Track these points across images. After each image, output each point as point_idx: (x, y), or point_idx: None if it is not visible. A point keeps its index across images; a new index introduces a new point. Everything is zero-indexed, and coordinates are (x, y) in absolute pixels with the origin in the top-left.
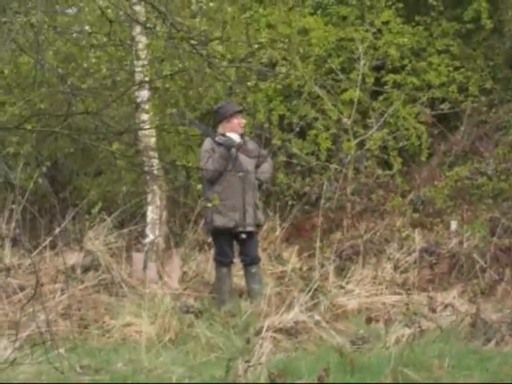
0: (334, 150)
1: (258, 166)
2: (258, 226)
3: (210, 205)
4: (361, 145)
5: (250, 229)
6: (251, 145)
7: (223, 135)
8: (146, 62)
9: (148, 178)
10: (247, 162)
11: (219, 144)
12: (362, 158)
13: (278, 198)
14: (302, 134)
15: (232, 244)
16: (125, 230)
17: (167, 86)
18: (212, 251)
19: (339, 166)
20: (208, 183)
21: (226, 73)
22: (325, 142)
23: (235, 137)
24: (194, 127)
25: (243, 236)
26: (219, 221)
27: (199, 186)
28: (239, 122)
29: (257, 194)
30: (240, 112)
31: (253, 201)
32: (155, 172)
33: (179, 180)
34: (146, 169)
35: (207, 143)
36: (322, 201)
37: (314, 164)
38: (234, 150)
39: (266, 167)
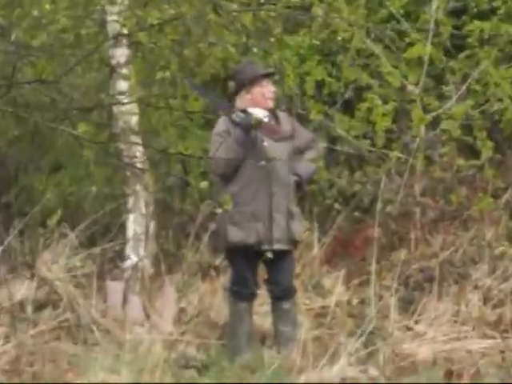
0: (395, 132)
1: (298, 154)
2: (294, 242)
3: (220, 211)
4: (434, 123)
5: (279, 247)
6: (286, 123)
7: (243, 111)
8: (122, 8)
9: (128, 173)
10: (277, 149)
11: (236, 124)
12: (435, 143)
13: (316, 200)
14: (349, 109)
15: (255, 268)
16: (96, 250)
17: (154, 40)
18: (222, 278)
19: (403, 154)
20: (221, 181)
21: (238, 20)
22: (382, 120)
23: (260, 113)
24: (198, 95)
25: (270, 256)
26: (235, 235)
27: (203, 184)
28: (266, 90)
29: (292, 196)
30: (267, 77)
31: (285, 206)
32: (138, 165)
33: (173, 176)
34: (126, 161)
35: (221, 123)
36: (379, 204)
37: (367, 151)
38: (255, 132)
39: (311, 156)
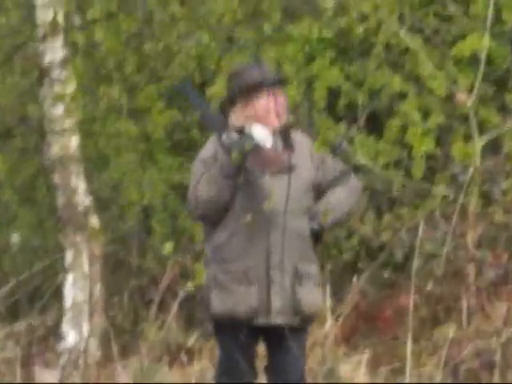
0: (439, 158)
1: (320, 193)
2: (306, 316)
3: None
4: (494, 146)
5: (281, 321)
6: (303, 149)
7: (240, 130)
8: None
9: (66, 218)
10: (281, 185)
11: (225, 148)
12: (496, 174)
13: (330, 254)
14: (375, 127)
15: (251, 350)
16: (20, 325)
17: (99, 36)
18: (197, 365)
19: (451, 189)
20: (205, 226)
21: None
22: (421, 142)
23: (261, 133)
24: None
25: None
26: (220, 303)
27: (167, 248)
28: (272, 103)
29: (305, 250)
30: (274, 84)
31: (291, 264)
32: (80, 207)
33: (127, 222)
34: (61, 201)
35: (208, 147)
36: (417, 260)
37: (401, 186)
38: (248, 159)
39: (340, 195)
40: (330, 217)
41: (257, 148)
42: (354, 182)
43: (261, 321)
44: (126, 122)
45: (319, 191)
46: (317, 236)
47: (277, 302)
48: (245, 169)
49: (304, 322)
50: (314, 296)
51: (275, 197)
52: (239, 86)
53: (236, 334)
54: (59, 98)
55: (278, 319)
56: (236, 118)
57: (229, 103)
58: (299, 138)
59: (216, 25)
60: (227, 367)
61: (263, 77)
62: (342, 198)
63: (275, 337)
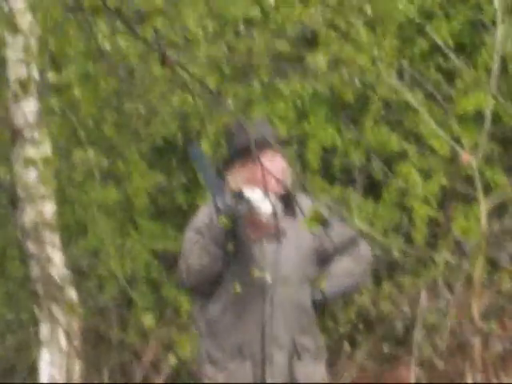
0: (442, 223)
1: (326, 261)
2: None
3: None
4: (501, 209)
5: None
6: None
7: (239, 194)
8: (32, 40)
9: (41, 290)
10: (279, 253)
11: (219, 212)
12: (503, 240)
13: (325, 326)
14: (373, 189)
15: None
16: None
17: (76, 95)
18: None
19: (455, 256)
20: (197, 298)
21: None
22: (422, 208)
23: (259, 197)
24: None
25: None
26: (212, 380)
27: (148, 320)
28: (267, 165)
29: (306, 323)
30: (272, 145)
31: (287, 339)
32: (56, 278)
33: (107, 294)
34: (35, 272)
35: (203, 213)
36: (419, 332)
37: (401, 253)
38: (241, 226)
39: (346, 265)
40: (332, 287)
41: (252, 213)
42: (363, 250)
43: None
44: (104, 188)
45: (325, 259)
46: (320, 307)
47: (272, 379)
48: (236, 236)
49: None
50: (314, 371)
51: (268, 266)
52: (235, 146)
53: None
54: (31, 162)
55: None
56: (234, 181)
57: (225, 165)
58: (304, 201)
59: (200, 83)
60: None
61: (261, 137)
62: (347, 267)
63: None
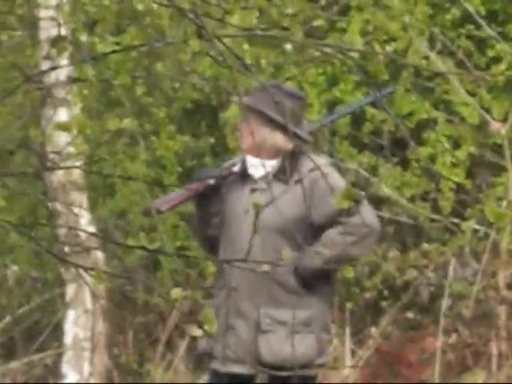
0: (470, 191)
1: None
2: (288, 368)
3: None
4: None
5: (238, 370)
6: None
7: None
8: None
9: (67, 249)
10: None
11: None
12: None
13: (350, 292)
14: (401, 156)
15: None
16: (16, 364)
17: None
18: None
19: (482, 225)
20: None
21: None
22: (451, 174)
23: (252, 162)
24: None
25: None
26: (202, 342)
27: (175, 293)
28: (243, 130)
29: (282, 293)
30: (250, 109)
31: (255, 310)
32: (83, 238)
33: (132, 257)
34: (63, 231)
35: None
36: (445, 301)
37: (428, 221)
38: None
39: (334, 239)
40: (311, 259)
41: (214, 176)
42: (356, 221)
43: (216, 366)
44: (133, 149)
45: (315, 230)
46: (305, 280)
47: (234, 349)
48: (218, 202)
49: (292, 372)
50: (283, 346)
51: (242, 234)
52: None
53: (216, 377)
54: (64, 127)
55: (234, 367)
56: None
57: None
58: (311, 168)
59: (235, 56)
60: None
61: (250, 102)
62: (331, 238)
63: None
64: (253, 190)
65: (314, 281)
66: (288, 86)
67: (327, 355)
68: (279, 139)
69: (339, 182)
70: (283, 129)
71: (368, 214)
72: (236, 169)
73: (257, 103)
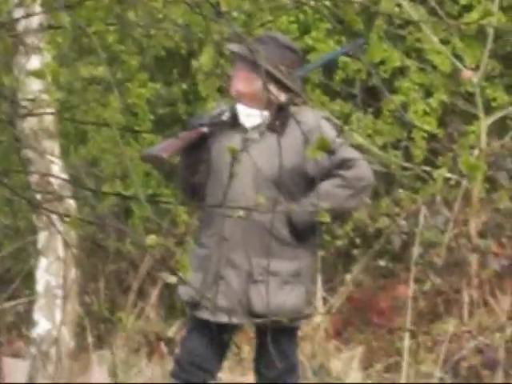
0: (442, 140)
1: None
2: (278, 318)
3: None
4: (502, 128)
5: (229, 320)
6: (296, 133)
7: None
8: None
9: (39, 197)
10: (248, 167)
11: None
12: (503, 158)
13: (322, 241)
14: (373, 105)
15: (214, 343)
16: None
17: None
18: None
19: (454, 173)
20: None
21: None
22: (423, 122)
23: (243, 110)
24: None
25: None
26: (183, 290)
27: (150, 240)
28: (235, 77)
29: (275, 244)
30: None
31: (246, 260)
32: (55, 186)
33: (106, 202)
34: (34, 179)
35: None
36: (417, 249)
37: (400, 169)
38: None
39: (329, 190)
40: (304, 218)
41: (220, 122)
42: (354, 174)
43: (204, 316)
44: (105, 96)
45: (311, 181)
46: (298, 231)
47: (225, 300)
48: (206, 149)
49: (282, 322)
50: (275, 296)
51: (236, 183)
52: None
53: (198, 322)
54: (37, 74)
55: (224, 318)
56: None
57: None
58: (306, 119)
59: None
60: (184, 359)
61: (245, 52)
62: (327, 190)
63: (258, 333)
64: (245, 140)
65: (306, 232)
66: (284, 38)
67: (313, 306)
68: (273, 90)
69: (332, 133)
70: (277, 80)
71: (364, 167)
72: (225, 117)
73: (252, 53)
